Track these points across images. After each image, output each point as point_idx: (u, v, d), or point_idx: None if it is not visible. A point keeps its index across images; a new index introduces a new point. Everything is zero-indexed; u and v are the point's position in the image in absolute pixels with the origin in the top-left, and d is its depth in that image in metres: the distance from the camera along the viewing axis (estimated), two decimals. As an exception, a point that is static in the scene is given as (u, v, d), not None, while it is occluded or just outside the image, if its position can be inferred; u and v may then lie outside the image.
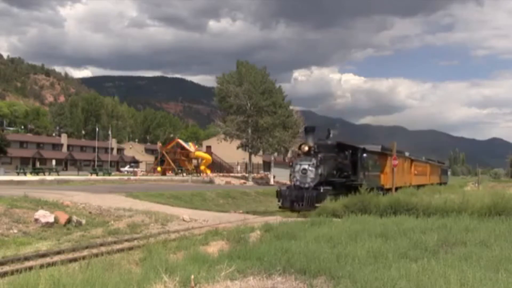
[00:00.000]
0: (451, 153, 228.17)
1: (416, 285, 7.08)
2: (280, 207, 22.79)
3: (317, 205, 20.84)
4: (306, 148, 23.39)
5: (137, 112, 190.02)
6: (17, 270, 8.26)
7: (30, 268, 8.17)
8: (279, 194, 23.00)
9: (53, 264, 8.60)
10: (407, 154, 43.40)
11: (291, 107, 63.76)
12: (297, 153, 24.57)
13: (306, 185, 22.83)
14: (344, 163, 26.07)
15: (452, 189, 38.45)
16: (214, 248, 11.09)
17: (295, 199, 22.26)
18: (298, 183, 23.05)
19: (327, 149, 25.18)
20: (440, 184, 57.98)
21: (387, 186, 32.33)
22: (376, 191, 27.13)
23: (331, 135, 28.45)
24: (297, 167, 23.30)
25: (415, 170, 46.03)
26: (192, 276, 7.14)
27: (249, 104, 57.57)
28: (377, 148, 34.39)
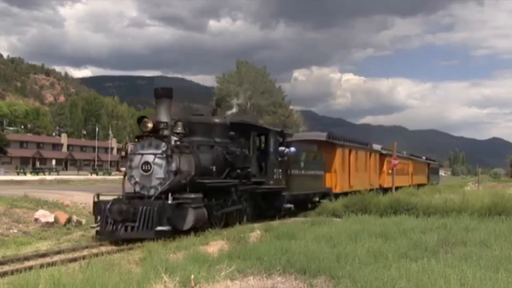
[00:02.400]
0: (451, 153, 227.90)
1: (416, 285, 7.08)
2: (97, 233, 12.66)
3: (159, 228, 11.85)
4: (150, 125, 13.09)
5: (137, 112, 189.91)
6: (17, 270, 8.26)
7: (30, 268, 8.17)
8: (96, 209, 12.96)
9: (53, 264, 8.60)
10: (377, 147, 34.58)
11: (291, 107, 63.96)
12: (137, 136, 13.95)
13: (152, 192, 12.88)
14: (241, 155, 16.02)
15: (452, 189, 38.41)
16: (214, 248, 11.09)
17: (122, 218, 12.23)
18: (138, 188, 13.20)
19: (208, 131, 15.60)
20: (428, 185, 50.63)
21: (338, 190, 24.45)
22: (312, 198, 22.12)
23: (225, 112, 18.92)
24: (136, 160, 13.20)
25: (390, 168, 36.17)
26: (192, 276, 7.14)
27: (249, 104, 57.61)
28: (316, 136, 26.02)
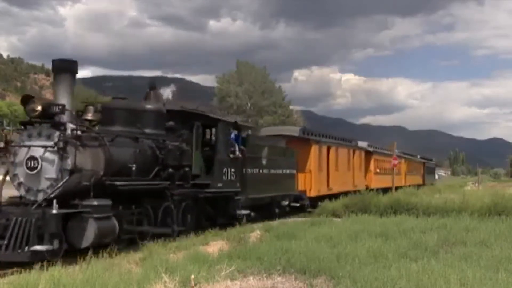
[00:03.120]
0: (451, 153, 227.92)
1: (416, 285, 7.09)
2: None
3: (36, 248, 8.91)
4: (38, 108, 10.17)
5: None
6: (17, 270, 8.25)
7: (30, 268, 8.17)
8: None
9: (53, 264, 8.60)
10: (363, 144, 31.18)
11: (291, 107, 63.93)
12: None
13: (40, 196, 9.85)
14: (176, 151, 12.86)
15: (452, 189, 38.40)
16: (214, 248, 11.10)
17: None
18: (23, 191, 10.15)
19: (133, 119, 12.37)
20: (424, 185, 47.42)
21: (313, 193, 21.98)
22: (280, 202, 19.09)
23: (161, 93, 15.63)
24: (21, 154, 10.11)
25: (377, 167, 34.33)
26: (192, 276, 7.14)
27: (249, 104, 57.67)
28: (288, 130, 23.35)
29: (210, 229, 13.41)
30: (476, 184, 54.80)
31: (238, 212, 15.38)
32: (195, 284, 7.07)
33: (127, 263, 9.20)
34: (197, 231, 13.09)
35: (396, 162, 30.74)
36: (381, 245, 10.43)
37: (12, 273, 8.11)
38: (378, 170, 33.29)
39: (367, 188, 28.06)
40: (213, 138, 15.48)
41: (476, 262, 8.67)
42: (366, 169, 31.03)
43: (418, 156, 52.76)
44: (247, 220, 15.60)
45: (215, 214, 14.91)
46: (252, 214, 16.51)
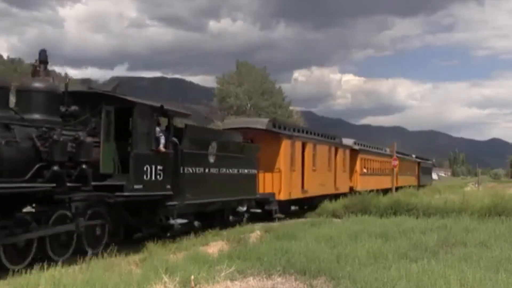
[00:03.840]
0: (451, 154, 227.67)
1: (416, 286, 7.09)
2: None
3: None
4: None
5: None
6: (17, 270, 8.25)
7: (31, 268, 8.16)
8: None
9: (53, 264, 8.60)
10: (348, 141, 27.70)
11: (291, 108, 63.81)
12: None
13: None
14: (65, 143, 9.71)
15: (452, 190, 38.40)
16: (214, 248, 11.10)
17: None
18: None
19: (5, 100, 9.69)
20: (419, 187, 43.67)
21: (283, 196, 18.60)
22: (236, 208, 15.81)
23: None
24: None
25: (364, 167, 30.01)
26: (192, 277, 7.15)
27: (249, 105, 57.60)
28: (253, 123, 19.79)
29: (209, 230, 13.40)
30: (476, 185, 54.80)
31: (172, 221, 12.32)
32: (195, 285, 7.07)
33: (127, 264, 9.21)
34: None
35: (396, 162, 30.40)
36: (381, 245, 10.44)
37: (12, 274, 8.11)
38: (365, 170, 29.73)
39: (351, 190, 25.76)
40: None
41: (476, 263, 8.68)
42: (352, 169, 27.67)
43: (413, 156, 48.79)
44: (181, 232, 12.71)
45: (138, 224, 11.93)
46: (196, 223, 13.86)
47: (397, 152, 39.22)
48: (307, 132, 22.19)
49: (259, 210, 17.90)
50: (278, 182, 18.37)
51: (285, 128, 19.56)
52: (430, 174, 61.96)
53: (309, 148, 21.18)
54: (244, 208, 16.27)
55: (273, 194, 18.23)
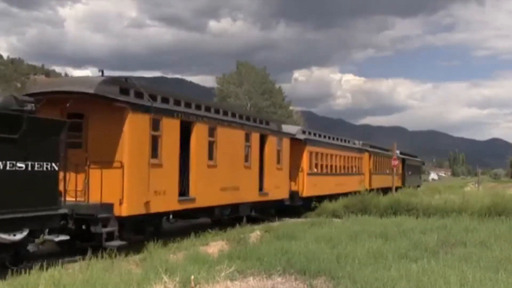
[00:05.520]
0: (451, 154, 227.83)
1: (416, 286, 7.09)
2: None
3: None
4: None
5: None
6: (17, 270, 8.25)
7: (30, 268, 8.16)
8: None
9: (53, 264, 8.60)
10: (292, 129, 21.70)
11: (291, 108, 63.82)
12: None
13: None
14: None
15: (452, 190, 38.40)
16: (214, 248, 11.10)
17: None
18: None
19: None
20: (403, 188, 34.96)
21: (128, 210, 11.06)
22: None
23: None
24: None
25: (315, 164, 22.56)
26: (192, 277, 7.14)
27: (249, 105, 57.58)
28: (73, 82, 12.22)
29: (209, 230, 13.42)
30: (476, 185, 54.79)
31: None
32: (195, 285, 7.07)
33: (127, 264, 9.21)
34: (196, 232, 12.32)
35: (396, 163, 29.83)
36: (381, 245, 10.44)
37: (12, 273, 8.11)
38: (316, 170, 22.43)
39: (293, 196, 19.96)
40: None
41: (476, 263, 8.68)
42: (297, 167, 20.87)
43: (398, 152, 39.14)
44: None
45: None
46: None
47: (374, 147, 33.31)
48: (199, 108, 14.03)
49: (65, 237, 9.85)
50: (117, 184, 10.91)
51: (139, 95, 11.71)
52: (419, 173, 53.79)
53: (200, 131, 13.70)
54: (23, 234, 8.82)
55: (107, 206, 10.74)
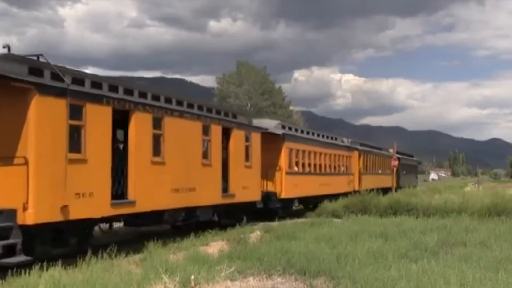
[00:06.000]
0: (451, 154, 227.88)
1: (416, 286, 7.08)
2: None
3: None
4: None
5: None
6: (17, 271, 8.24)
7: (30, 268, 8.16)
8: None
9: (53, 264, 8.59)
10: (266, 123, 19.23)
11: (291, 108, 63.87)
12: None
13: None
14: None
15: (452, 190, 38.39)
16: (214, 248, 11.10)
17: None
18: None
19: None
20: (396, 190, 30.89)
21: (37, 218, 8.78)
22: None
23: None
24: None
25: (296, 162, 20.43)
26: (192, 277, 7.15)
27: (249, 105, 57.62)
28: None
29: (210, 230, 13.41)
30: (476, 185, 54.80)
31: None
32: (195, 285, 7.07)
33: (127, 264, 9.20)
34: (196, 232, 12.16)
35: (396, 163, 29.85)
36: (381, 245, 10.44)
37: (12, 274, 8.10)
38: (296, 169, 20.38)
39: (269, 197, 18.20)
40: None
41: (476, 263, 8.68)
42: (274, 166, 18.83)
43: (391, 151, 37.31)
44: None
45: None
46: None
47: (365, 145, 31.37)
48: (142, 95, 11.92)
49: None
50: (22, 186, 8.87)
51: (56, 77, 9.52)
52: (415, 173, 50.75)
53: (140, 121, 11.64)
54: None
55: (8, 213, 8.66)
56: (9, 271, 8.17)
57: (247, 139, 16.48)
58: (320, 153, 23.06)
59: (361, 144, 30.69)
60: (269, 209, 18.41)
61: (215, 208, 14.69)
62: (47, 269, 7.74)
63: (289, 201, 19.58)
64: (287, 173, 19.18)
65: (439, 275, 7.57)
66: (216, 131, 14.57)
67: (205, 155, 14.09)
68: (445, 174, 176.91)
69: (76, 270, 8.18)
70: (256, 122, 18.20)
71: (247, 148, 16.47)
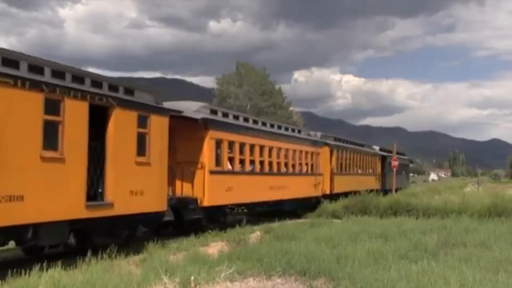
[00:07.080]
0: (451, 154, 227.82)
1: (416, 287, 7.08)
2: None
3: None
4: None
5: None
6: (17, 271, 8.24)
7: (30, 268, 8.15)
8: None
9: (53, 265, 8.59)
10: (184, 106, 14.48)
11: (291, 108, 63.85)
12: None
13: None
14: None
15: (452, 190, 38.39)
16: (214, 249, 11.10)
17: None
18: None
19: None
20: (383, 192, 28.22)
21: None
22: None
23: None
24: None
25: (223, 158, 15.41)
26: (192, 277, 7.14)
27: (249, 105, 57.60)
28: None
29: (210, 231, 13.40)
30: (476, 185, 54.79)
31: None
32: (195, 285, 7.07)
33: (127, 264, 9.20)
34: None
35: (396, 163, 29.68)
36: (381, 246, 10.44)
37: (12, 274, 8.10)
38: (230, 167, 15.95)
39: (186, 205, 13.80)
40: None
41: (476, 264, 8.68)
42: (194, 162, 14.40)
43: (377, 148, 34.48)
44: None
45: None
46: None
47: (339, 140, 26.55)
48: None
49: None
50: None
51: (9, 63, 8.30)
52: (406, 174, 44.54)
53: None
54: None
55: None
56: (9, 271, 8.18)
57: (142, 124, 11.55)
58: (271, 148, 18.30)
59: (335, 139, 25.78)
60: (187, 221, 13.88)
61: (73, 224, 9.81)
62: (47, 270, 7.74)
63: (218, 210, 15.05)
64: (212, 172, 14.52)
65: (439, 275, 7.57)
66: (74, 108, 9.64)
67: (49, 144, 9.15)
68: (445, 174, 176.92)
69: (76, 270, 8.18)
70: (171, 104, 13.59)
71: (141, 137, 11.52)
